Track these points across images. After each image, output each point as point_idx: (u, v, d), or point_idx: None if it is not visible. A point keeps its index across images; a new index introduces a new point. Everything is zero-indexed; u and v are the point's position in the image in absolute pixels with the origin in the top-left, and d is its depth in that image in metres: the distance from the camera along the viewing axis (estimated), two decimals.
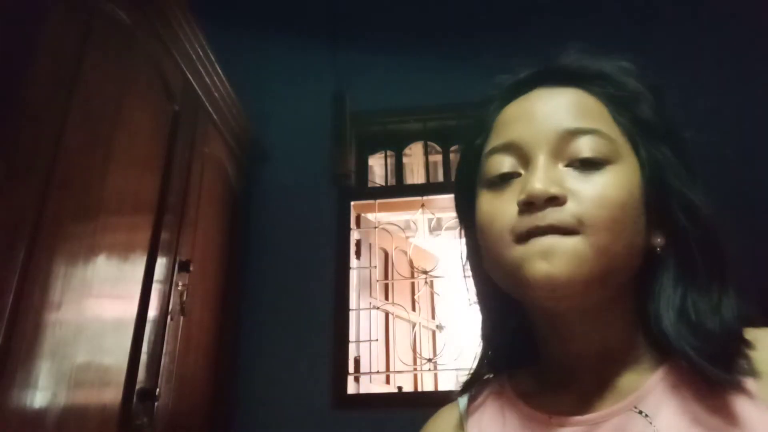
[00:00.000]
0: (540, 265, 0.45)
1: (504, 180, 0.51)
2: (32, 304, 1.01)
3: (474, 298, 0.62)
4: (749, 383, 0.44)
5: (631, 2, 2.44)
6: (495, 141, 0.54)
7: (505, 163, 0.52)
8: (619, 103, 0.52)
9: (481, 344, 0.61)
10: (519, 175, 0.51)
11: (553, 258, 0.45)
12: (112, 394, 1.26)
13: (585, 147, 0.49)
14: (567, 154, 0.49)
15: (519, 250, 0.47)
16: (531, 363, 0.58)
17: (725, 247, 0.49)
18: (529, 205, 0.47)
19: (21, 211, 1.01)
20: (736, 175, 1.98)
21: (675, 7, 2.37)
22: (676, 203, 0.50)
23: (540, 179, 0.47)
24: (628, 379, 0.49)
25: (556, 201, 0.47)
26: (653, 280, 0.50)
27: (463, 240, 0.62)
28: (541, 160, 0.49)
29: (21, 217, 1.01)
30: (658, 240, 0.50)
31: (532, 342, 0.58)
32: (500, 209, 0.50)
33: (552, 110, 0.51)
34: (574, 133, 0.49)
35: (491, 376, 0.60)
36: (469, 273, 0.62)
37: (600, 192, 0.47)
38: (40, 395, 1.03)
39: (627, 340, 0.51)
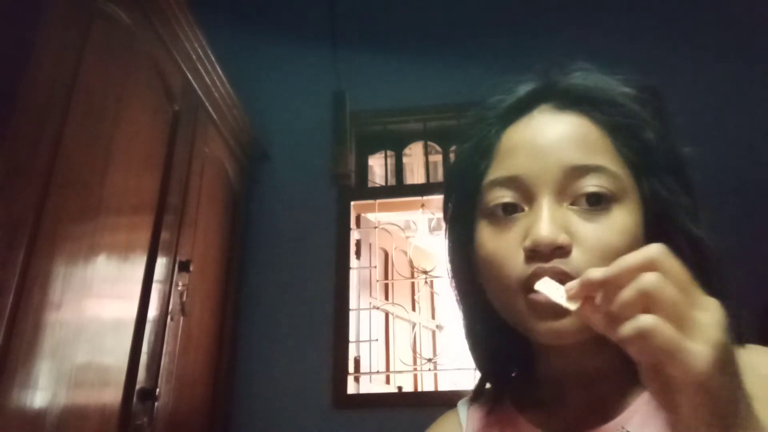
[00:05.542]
0: (548, 321, 0.46)
1: (506, 212, 0.51)
2: (32, 304, 1.01)
3: (459, 306, 0.60)
4: None
5: (629, 3, 2.44)
6: (497, 172, 0.52)
7: (506, 196, 0.51)
8: (622, 132, 0.51)
9: (474, 355, 0.60)
10: (522, 209, 0.50)
11: (560, 314, 0.45)
12: (112, 394, 1.26)
13: (590, 185, 0.48)
14: (572, 192, 0.48)
15: (527, 302, 0.47)
16: (527, 371, 0.58)
17: (726, 278, 0.49)
18: (534, 251, 0.47)
19: (21, 211, 1.01)
20: (738, 175, 1.99)
21: (674, 8, 2.37)
22: (681, 238, 0.49)
23: (546, 226, 0.46)
24: (617, 399, 0.51)
25: (562, 250, 0.46)
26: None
27: (448, 252, 0.61)
28: (546, 201, 0.48)
29: (21, 217, 1.01)
30: None
31: (525, 352, 0.57)
32: (505, 251, 0.49)
33: (556, 142, 0.50)
34: (580, 170, 0.49)
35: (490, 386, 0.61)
36: (453, 280, 0.61)
37: (605, 240, 0.46)
38: (40, 395, 1.03)
39: (620, 358, 0.51)
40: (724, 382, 0.34)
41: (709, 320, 0.34)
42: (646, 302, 0.34)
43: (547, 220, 0.47)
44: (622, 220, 0.47)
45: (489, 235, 0.51)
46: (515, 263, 0.48)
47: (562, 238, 0.46)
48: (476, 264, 0.54)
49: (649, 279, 0.35)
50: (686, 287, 0.35)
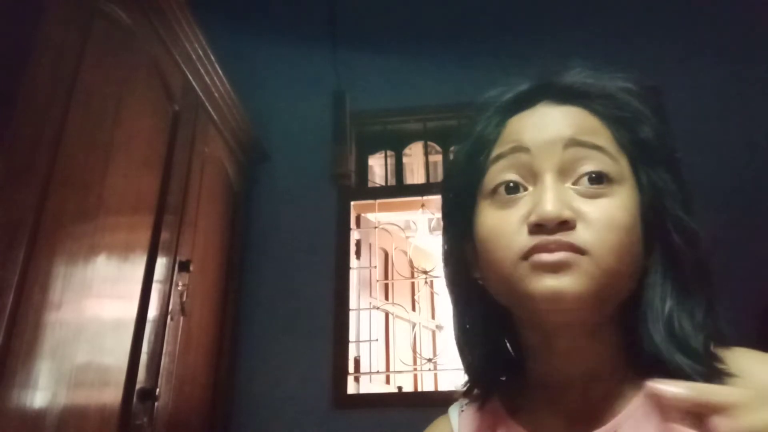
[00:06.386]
0: (548, 279, 0.46)
1: (509, 192, 0.51)
2: (32, 304, 1.01)
3: (453, 305, 0.60)
4: None
5: (629, 3, 2.44)
6: (501, 148, 0.53)
7: (510, 175, 0.52)
8: (621, 125, 0.52)
9: (463, 356, 0.59)
10: (525, 189, 0.51)
11: (561, 273, 0.46)
12: (112, 394, 1.26)
13: (592, 164, 0.49)
14: (574, 172, 0.50)
15: (526, 265, 0.47)
16: (518, 375, 0.58)
17: (713, 269, 0.50)
18: (539, 227, 0.47)
19: (21, 211, 1.01)
20: (738, 175, 1.99)
21: (674, 8, 2.37)
22: (672, 227, 0.50)
23: (551, 201, 0.47)
24: (610, 402, 0.50)
25: (566, 225, 0.47)
26: (641, 299, 0.50)
27: (444, 247, 0.61)
28: (550, 179, 0.49)
29: (21, 217, 1.01)
30: (649, 260, 0.50)
31: (517, 354, 0.57)
32: (507, 227, 0.50)
33: (560, 121, 0.52)
34: (582, 146, 0.50)
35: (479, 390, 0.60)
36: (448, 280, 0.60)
37: (608, 216, 0.47)
38: (40, 395, 1.03)
39: (612, 360, 0.51)
40: None
41: None
42: None
43: (552, 196, 0.48)
44: (621, 199, 0.49)
45: (491, 213, 0.52)
46: (517, 237, 0.48)
47: (567, 213, 0.47)
48: (473, 255, 0.54)
49: None
50: None
